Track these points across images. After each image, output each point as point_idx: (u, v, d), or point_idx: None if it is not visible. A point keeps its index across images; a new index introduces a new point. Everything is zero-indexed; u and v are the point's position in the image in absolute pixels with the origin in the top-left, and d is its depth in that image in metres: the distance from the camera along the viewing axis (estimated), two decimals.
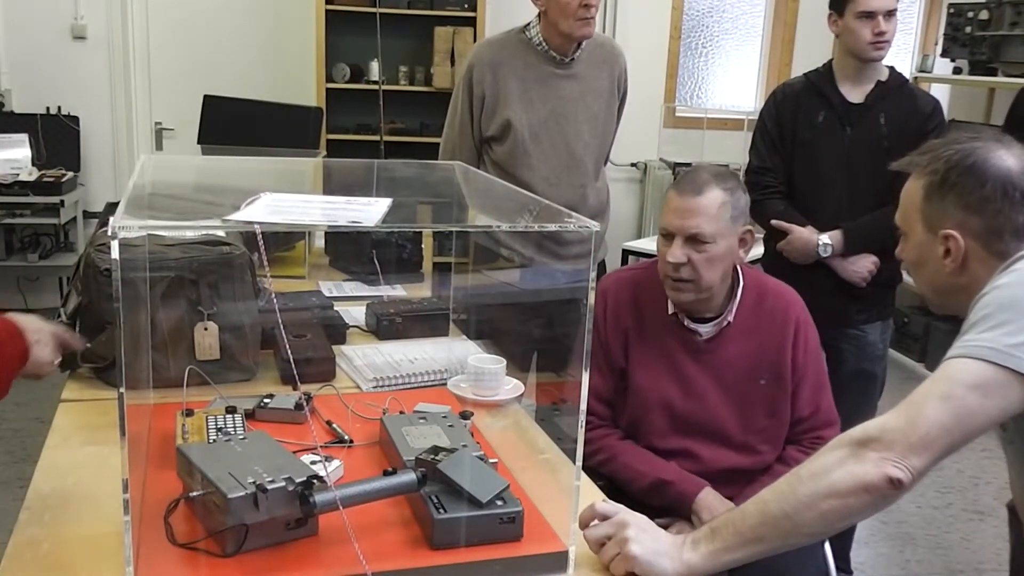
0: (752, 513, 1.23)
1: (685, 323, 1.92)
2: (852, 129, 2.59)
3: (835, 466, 1.19)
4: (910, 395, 1.20)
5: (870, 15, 2.50)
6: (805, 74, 2.73)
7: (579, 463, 1.33)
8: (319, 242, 2.84)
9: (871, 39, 2.52)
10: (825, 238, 2.59)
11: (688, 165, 4.99)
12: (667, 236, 1.86)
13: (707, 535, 1.25)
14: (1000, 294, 1.23)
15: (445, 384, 1.89)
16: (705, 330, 1.92)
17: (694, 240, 1.82)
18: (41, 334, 1.42)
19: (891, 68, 2.66)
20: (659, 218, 1.91)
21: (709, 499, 1.84)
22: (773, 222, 2.66)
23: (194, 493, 1.25)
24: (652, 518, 1.36)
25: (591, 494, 1.54)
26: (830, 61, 2.68)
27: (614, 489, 1.82)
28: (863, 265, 2.63)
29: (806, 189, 2.66)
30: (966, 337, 1.21)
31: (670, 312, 1.93)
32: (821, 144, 2.62)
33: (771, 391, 1.91)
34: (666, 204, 1.88)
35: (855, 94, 2.61)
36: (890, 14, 2.52)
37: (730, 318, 1.91)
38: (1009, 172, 1.31)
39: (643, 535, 1.25)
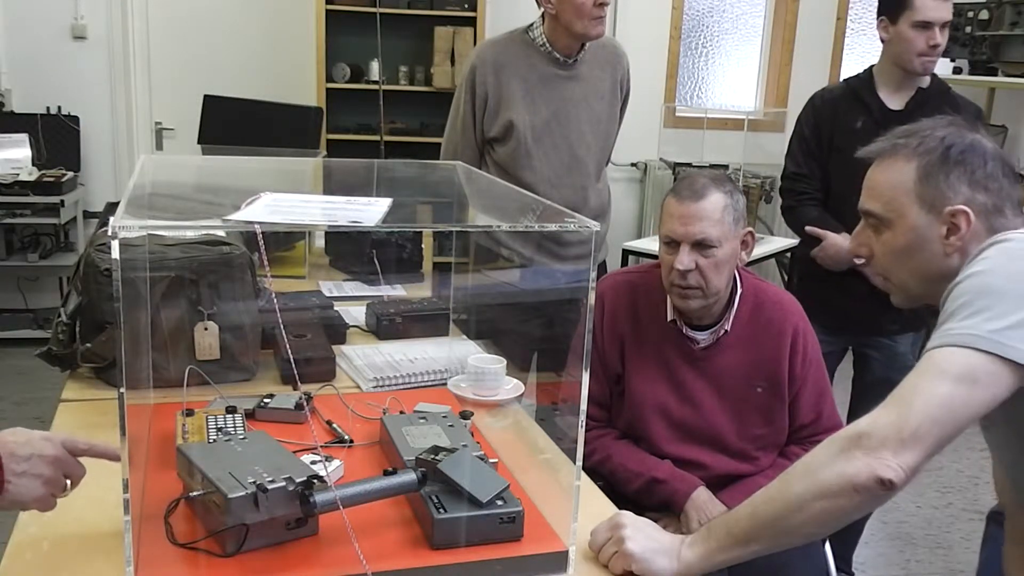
0: (745, 515, 1.23)
1: (684, 331, 1.92)
2: None
3: (824, 466, 1.18)
4: (897, 389, 1.18)
5: (927, 25, 2.42)
6: (845, 80, 2.69)
7: (579, 463, 1.33)
8: (319, 242, 2.85)
9: (924, 50, 2.44)
10: None
11: (688, 165, 4.99)
12: (671, 244, 1.84)
13: (703, 535, 1.26)
14: (975, 281, 1.21)
15: (445, 384, 1.89)
16: (702, 338, 1.91)
17: (700, 246, 1.80)
18: (32, 463, 1.13)
19: (933, 75, 2.59)
20: (660, 227, 1.89)
21: (702, 499, 1.84)
22: (807, 228, 2.61)
23: (194, 493, 1.25)
24: (645, 515, 1.37)
25: (591, 494, 1.54)
26: (871, 67, 2.63)
27: (611, 488, 1.82)
28: None
29: (842, 196, 2.59)
30: (947, 326, 1.19)
31: (668, 319, 1.92)
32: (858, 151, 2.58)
33: (767, 399, 1.91)
34: (666, 212, 1.86)
35: (895, 101, 2.56)
36: (945, 25, 2.44)
37: (727, 326, 1.90)
38: (999, 151, 1.32)
39: (639, 533, 1.28)
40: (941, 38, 2.45)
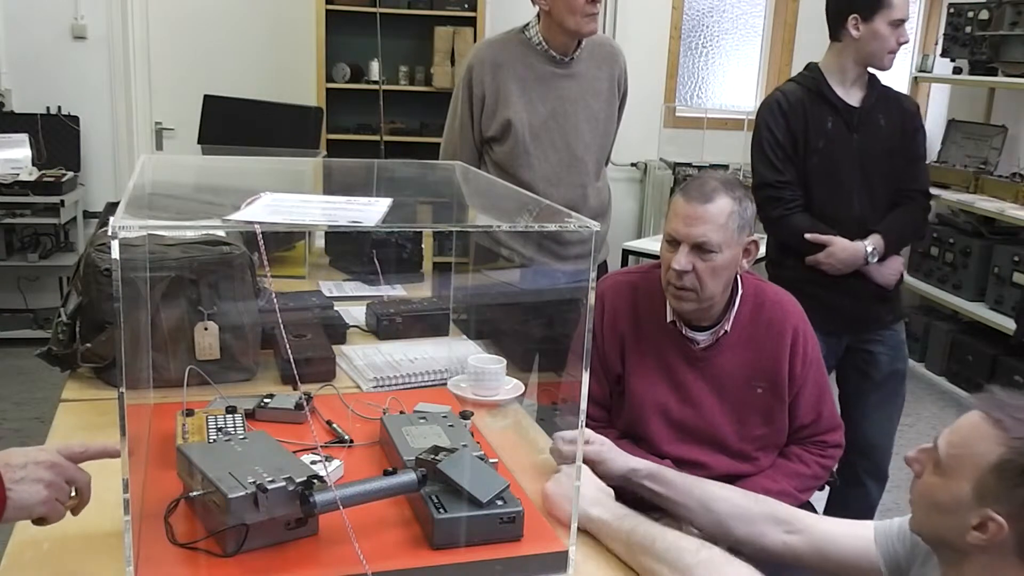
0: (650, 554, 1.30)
1: (683, 331, 1.91)
2: (859, 133, 2.54)
3: None
4: None
5: (900, 23, 2.46)
6: (795, 80, 2.64)
7: (579, 463, 1.33)
8: (319, 242, 2.85)
9: (894, 48, 2.48)
10: (869, 244, 2.53)
11: (688, 165, 5.00)
12: (672, 243, 1.84)
13: (627, 517, 1.36)
14: None
15: (445, 384, 1.89)
16: (702, 338, 1.91)
17: (700, 248, 1.79)
18: (29, 469, 1.12)
19: (871, 73, 2.62)
20: (665, 224, 1.88)
21: None
22: (809, 236, 2.53)
23: (194, 493, 1.25)
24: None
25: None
26: (815, 65, 2.61)
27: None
28: (895, 267, 2.60)
29: (825, 197, 2.57)
30: None
31: (668, 320, 1.92)
32: (835, 150, 2.54)
33: (767, 399, 1.91)
34: (672, 210, 1.85)
35: (851, 98, 2.56)
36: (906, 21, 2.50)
37: (727, 327, 1.90)
38: None
39: (565, 478, 1.40)
40: (907, 35, 2.51)
